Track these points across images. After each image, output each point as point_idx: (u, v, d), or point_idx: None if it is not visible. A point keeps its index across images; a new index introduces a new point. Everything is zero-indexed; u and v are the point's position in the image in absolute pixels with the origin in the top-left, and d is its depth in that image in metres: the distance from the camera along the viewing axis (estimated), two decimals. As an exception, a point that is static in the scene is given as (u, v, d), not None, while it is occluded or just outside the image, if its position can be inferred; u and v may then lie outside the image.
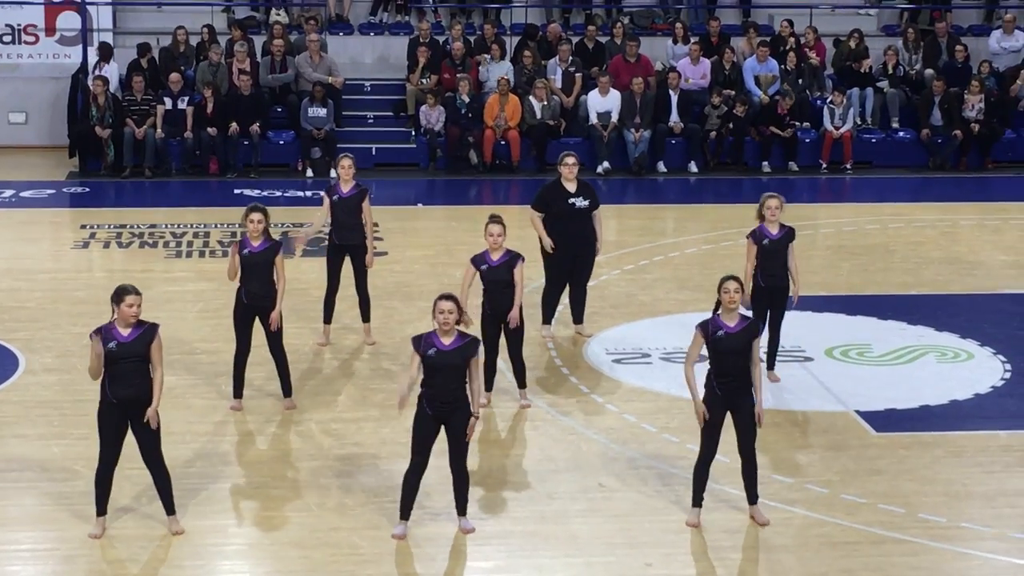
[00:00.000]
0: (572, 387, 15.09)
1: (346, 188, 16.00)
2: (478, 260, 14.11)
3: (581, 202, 16.24)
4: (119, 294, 11.15)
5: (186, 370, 15.18)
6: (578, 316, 16.75)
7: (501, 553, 11.29)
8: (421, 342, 11.29)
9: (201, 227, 21.85)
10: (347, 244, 16.06)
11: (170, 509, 11.49)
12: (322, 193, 16.40)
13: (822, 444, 13.53)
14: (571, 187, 16.29)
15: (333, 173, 25.66)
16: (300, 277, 18.62)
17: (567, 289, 16.62)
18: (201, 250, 20.48)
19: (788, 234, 14.69)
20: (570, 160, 16.31)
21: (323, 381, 15.19)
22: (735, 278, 11.60)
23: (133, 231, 21.61)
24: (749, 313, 12.16)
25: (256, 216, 13.98)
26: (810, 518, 11.81)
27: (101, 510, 11.38)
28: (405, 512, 11.47)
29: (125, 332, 11.11)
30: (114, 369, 11.06)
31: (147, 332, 11.17)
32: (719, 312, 11.55)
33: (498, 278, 14.01)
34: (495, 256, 14.04)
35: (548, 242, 16.12)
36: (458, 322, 11.42)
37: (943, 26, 29.30)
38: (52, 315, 17.25)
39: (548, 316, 16.70)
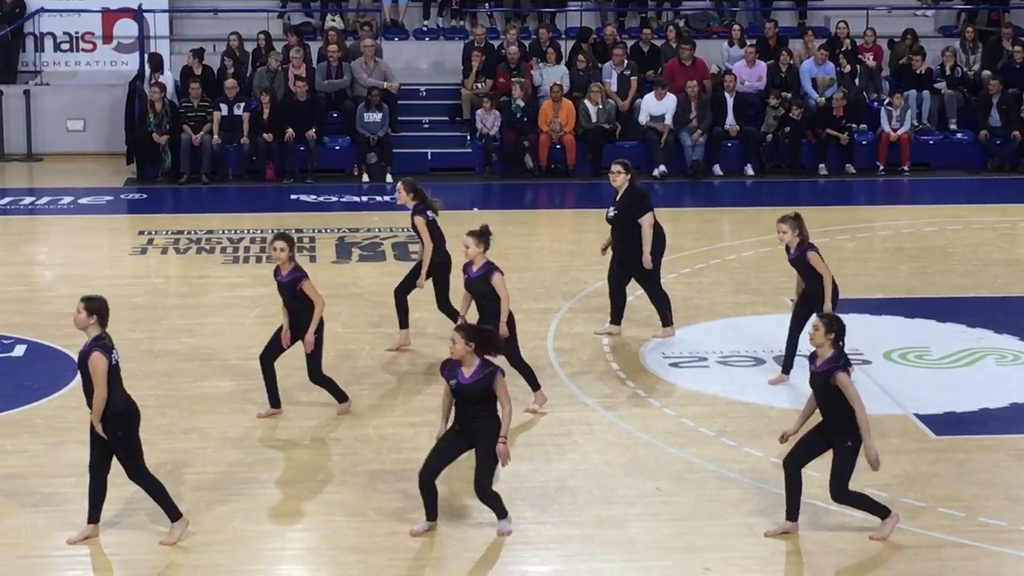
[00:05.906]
0: (629, 391, 15.05)
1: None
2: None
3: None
4: None
5: (243, 375, 15.22)
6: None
7: (559, 557, 11.27)
8: (445, 370, 11.40)
9: (258, 233, 21.92)
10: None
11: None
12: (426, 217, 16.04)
13: (881, 448, 13.35)
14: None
15: (389, 179, 25.96)
16: (356, 282, 18.65)
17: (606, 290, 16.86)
18: (258, 256, 20.54)
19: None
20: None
21: (381, 386, 15.20)
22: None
23: (190, 237, 21.71)
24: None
25: (279, 244, 13.77)
26: (869, 522, 11.72)
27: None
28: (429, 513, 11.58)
29: None
30: None
31: None
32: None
33: (476, 290, 14.10)
34: (474, 267, 14.11)
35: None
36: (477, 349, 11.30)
37: (1008, 31, 29.04)
38: (111, 321, 17.22)
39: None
